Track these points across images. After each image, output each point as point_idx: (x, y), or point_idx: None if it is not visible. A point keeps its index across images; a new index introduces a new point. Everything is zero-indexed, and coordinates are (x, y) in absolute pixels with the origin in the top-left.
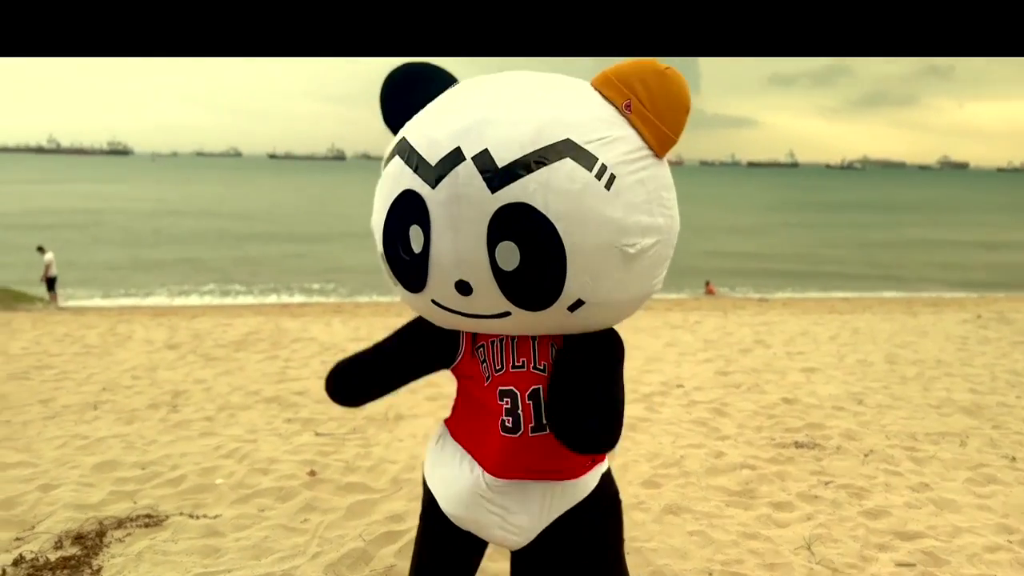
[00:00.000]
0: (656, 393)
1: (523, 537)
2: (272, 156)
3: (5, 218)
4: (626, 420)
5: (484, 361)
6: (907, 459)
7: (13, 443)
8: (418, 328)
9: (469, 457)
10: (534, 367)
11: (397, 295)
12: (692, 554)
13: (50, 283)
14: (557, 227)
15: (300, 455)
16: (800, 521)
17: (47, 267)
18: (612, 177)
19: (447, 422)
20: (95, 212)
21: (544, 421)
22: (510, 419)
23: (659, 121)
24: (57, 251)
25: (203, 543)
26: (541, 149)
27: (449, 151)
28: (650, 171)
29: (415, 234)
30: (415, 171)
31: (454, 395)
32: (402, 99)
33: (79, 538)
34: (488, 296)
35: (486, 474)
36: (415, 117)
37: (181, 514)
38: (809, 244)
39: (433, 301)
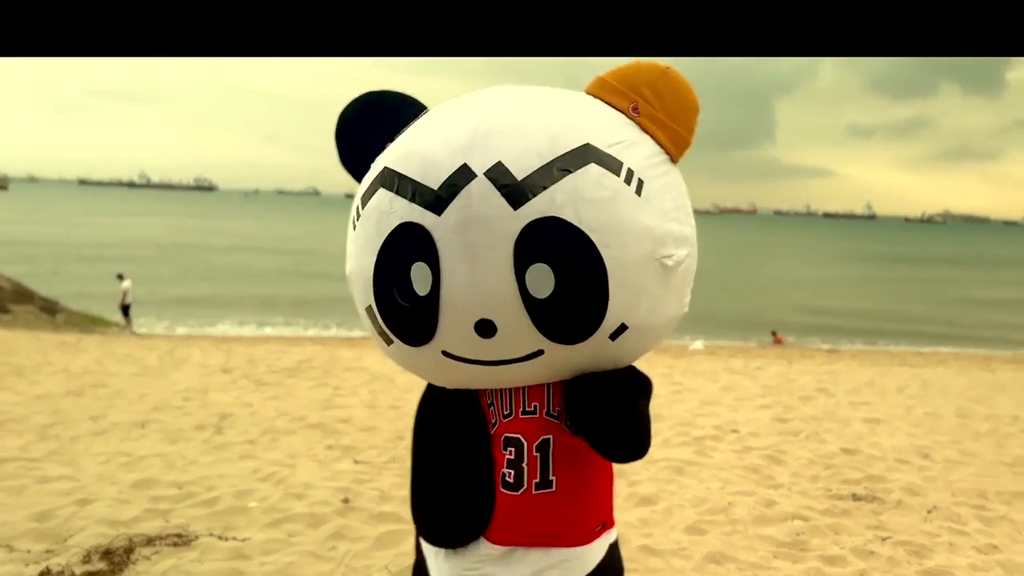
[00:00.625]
0: (708, 437)
1: None
2: (348, 196)
3: (97, 249)
4: (673, 464)
5: (492, 405)
6: (975, 518)
7: (59, 457)
8: (436, 415)
9: None
10: (547, 413)
11: (389, 355)
12: None
13: (125, 310)
14: (594, 240)
15: (336, 482)
16: None
17: (124, 294)
18: (640, 182)
19: None
20: (179, 245)
21: (550, 476)
22: (511, 473)
23: (672, 122)
24: (141, 281)
25: (228, 565)
26: (562, 156)
27: (454, 170)
28: (672, 176)
29: (420, 273)
30: (411, 200)
31: None
32: (364, 134)
33: (107, 553)
34: (517, 334)
35: (481, 540)
36: (391, 145)
37: (211, 535)
38: (885, 299)
39: (444, 353)
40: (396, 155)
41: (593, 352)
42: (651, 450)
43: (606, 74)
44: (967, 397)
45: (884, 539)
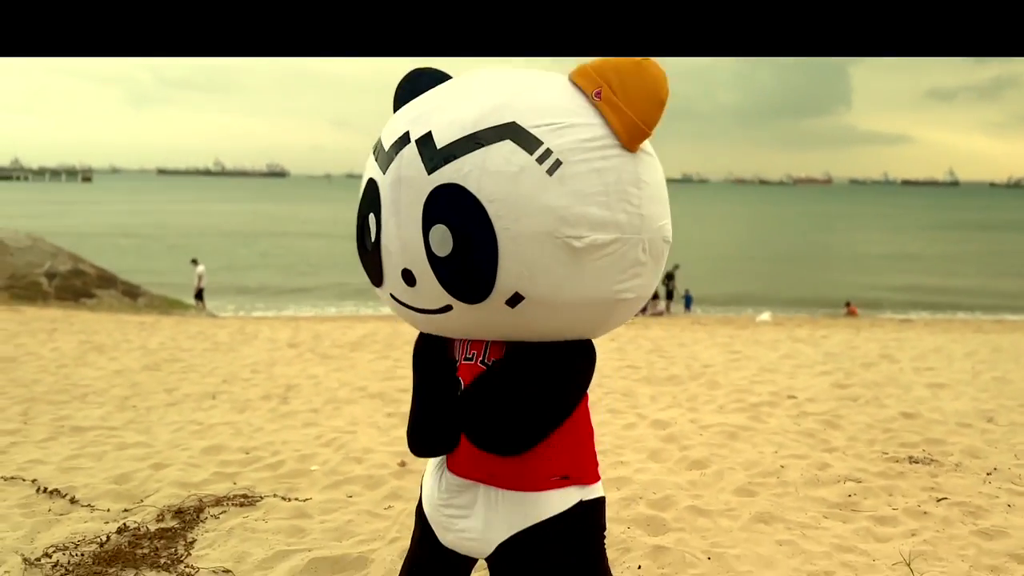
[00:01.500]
0: (764, 403)
1: (481, 545)
2: None
3: (178, 238)
4: (727, 429)
5: (456, 348)
6: None
7: (136, 426)
8: (421, 352)
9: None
10: (482, 361)
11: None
12: (778, 563)
13: (199, 294)
14: (488, 210)
15: (394, 447)
16: (903, 537)
17: (199, 278)
18: (557, 163)
19: None
20: (254, 234)
21: None
22: None
23: (629, 109)
24: (215, 270)
25: (290, 523)
26: (481, 131)
27: (399, 136)
28: (613, 162)
29: (371, 223)
30: (375, 160)
31: None
32: (404, 104)
33: (179, 512)
34: (430, 287)
35: (447, 471)
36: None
37: (275, 496)
38: (967, 271)
39: (391, 296)
40: (387, 123)
41: (496, 316)
42: (704, 416)
43: (590, 62)
44: None
45: (939, 500)
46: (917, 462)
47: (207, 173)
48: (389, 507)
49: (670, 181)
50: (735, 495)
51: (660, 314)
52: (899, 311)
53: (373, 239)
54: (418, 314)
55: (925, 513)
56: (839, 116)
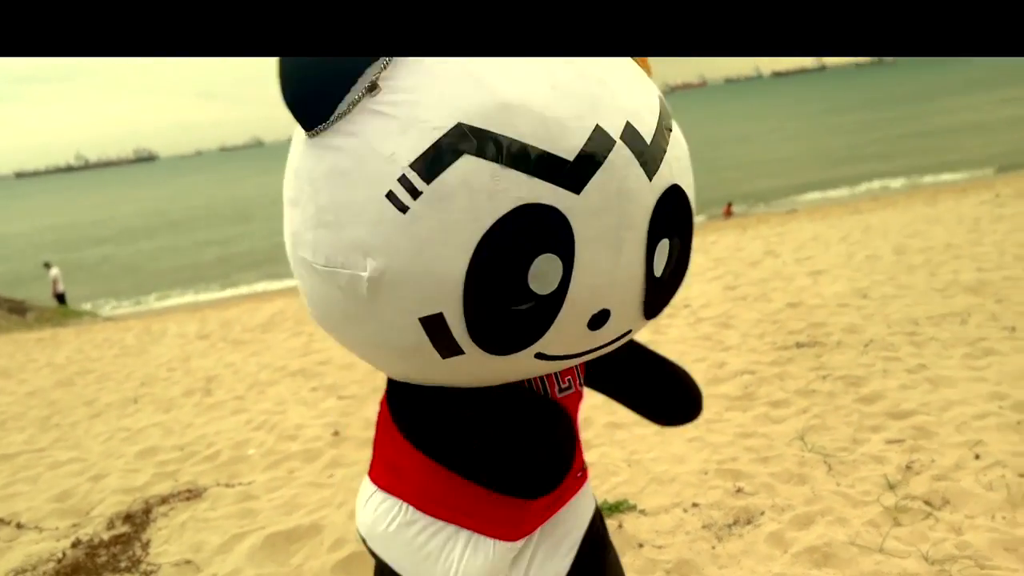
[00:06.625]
0: (663, 315)
1: None
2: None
3: (44, 247)
4: None
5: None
6: (907, 344)
7: (64, 443)
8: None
9: (468, 536)
10: (581, 383)
11: (426, 368)
12: (689, 458)
13: (60, 298)
14: (692, 206)
15: (325, 418)
16: (796, 415)
17: (54, 282)
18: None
19: (413, 499)
20: (123, 230)
21: None
22: None
23: None
24: (81, 278)
25: (240, 507)
26: (663, 112)
27: (589, 133)
28: None
29: (546, 267)
30: (532, 173)
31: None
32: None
33: (128, 517)
34: (622, 320)
35: (503, 543)
36: (427, 93)
37: (218, 485)
38: (839, 145)
39: (539, 355)
40: (478, 108)
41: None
42: None
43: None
44: (905, 234)
45: (824, 377)
46: (803, 346)
47: (69, 169)
48: (331, 475)
49: None
50: None
51: None
52: (783, 195)
53: (552, 288)
54: (560, 361)
55: (813, 391)
56: None
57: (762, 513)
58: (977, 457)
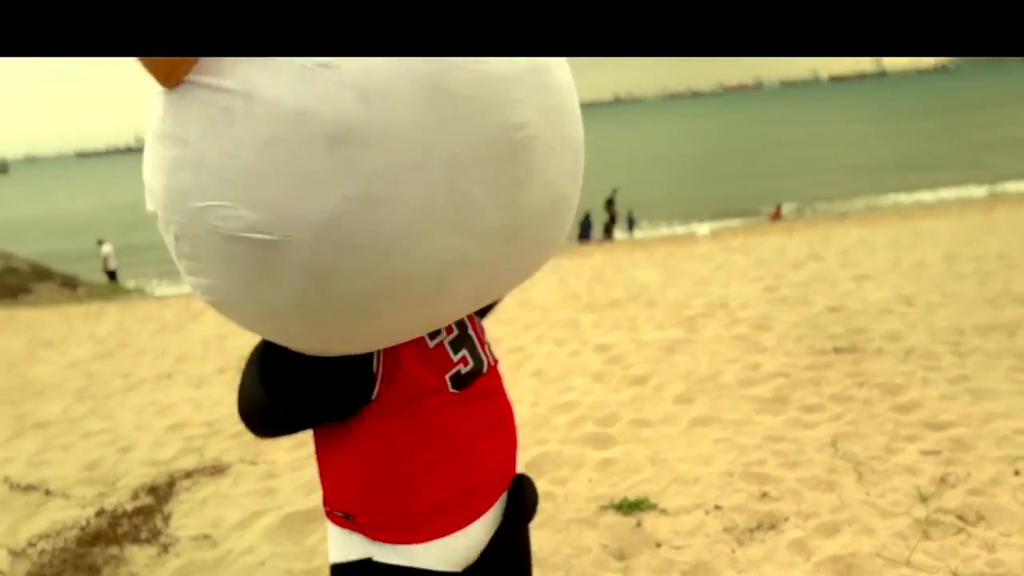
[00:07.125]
0: (699, 316)
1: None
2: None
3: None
4: (665, 344)
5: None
6: (950, 353)
7: (97, 413)
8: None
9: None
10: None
11: None
12: (715, 459)
13: (111, 275)
14: None
15: None
16: (829, 421)
17: (105, 259)
18: None
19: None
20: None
21: None
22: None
23: None
24: (147, 247)
25: (261, 485)
26: None
27: None
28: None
29: None
30: None
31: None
32: None
33: (152, 489)
34: None
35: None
36: None
37: (242, 462)
38: (892, 152)
39: None
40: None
41: None
42: (644, 334)
43: None
44: (956, 242)
45: (861, 384)
46: (842, 351)
47: (129, 151)
48: None
49: (602, 104)
50: (674, 404)
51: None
52: (835, 200)
53: None
54: None
55: (849, 397)
56: None
57: (786, 519)
58: (1017, 473)
